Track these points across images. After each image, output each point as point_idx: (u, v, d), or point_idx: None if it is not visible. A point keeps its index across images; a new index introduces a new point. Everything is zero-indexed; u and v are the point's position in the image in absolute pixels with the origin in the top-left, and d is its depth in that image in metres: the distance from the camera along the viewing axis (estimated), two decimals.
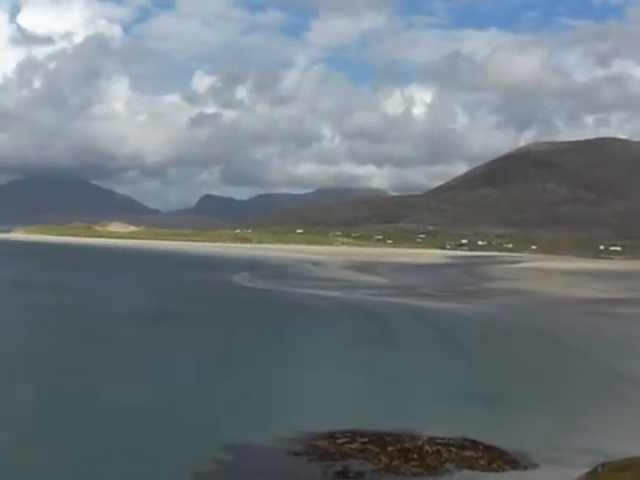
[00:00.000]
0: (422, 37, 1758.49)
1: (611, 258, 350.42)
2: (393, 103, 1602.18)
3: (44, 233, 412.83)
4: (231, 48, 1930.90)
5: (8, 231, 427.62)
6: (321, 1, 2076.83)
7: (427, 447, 38.14)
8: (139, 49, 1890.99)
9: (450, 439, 39.55)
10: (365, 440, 39.25)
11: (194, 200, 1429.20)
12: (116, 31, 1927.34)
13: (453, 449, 38.15)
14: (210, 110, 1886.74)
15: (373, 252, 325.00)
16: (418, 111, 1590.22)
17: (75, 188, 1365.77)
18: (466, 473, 35.62)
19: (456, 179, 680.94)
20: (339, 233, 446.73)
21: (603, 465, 33.93)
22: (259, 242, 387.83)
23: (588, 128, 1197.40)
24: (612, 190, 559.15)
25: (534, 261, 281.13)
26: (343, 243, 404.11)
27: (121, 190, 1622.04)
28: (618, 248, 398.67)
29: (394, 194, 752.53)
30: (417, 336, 79.45)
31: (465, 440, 39.65)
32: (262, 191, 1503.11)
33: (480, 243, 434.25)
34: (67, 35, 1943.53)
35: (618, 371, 62.09)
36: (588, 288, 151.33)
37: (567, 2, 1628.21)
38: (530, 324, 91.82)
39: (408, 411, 46.52)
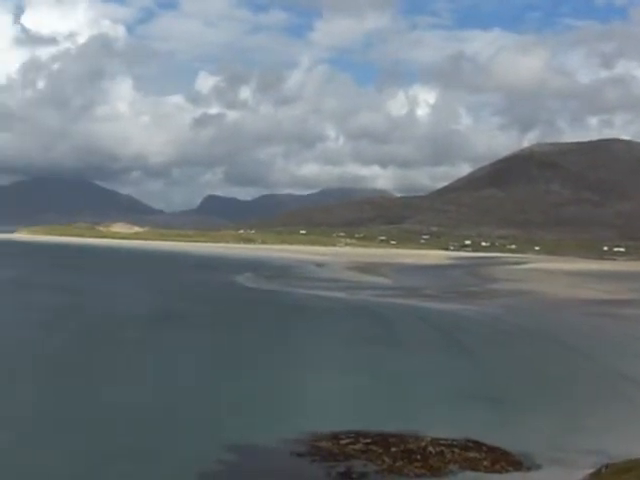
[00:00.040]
0: (426, 38, 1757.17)
1: (615, 259, 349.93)
2: (397, 104, 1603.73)
3: (48, 234, 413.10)
4: (234, 48, 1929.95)
5: (12, 231, 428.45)
6: (325, 1, 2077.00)
7: (430, 448, 38.14)
8: (143, 49, 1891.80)
9: (454, 440, 39.55)
10: (368, 441, 39.27)
11: (198, 201, 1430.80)
12: (120, 31, 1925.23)
13: (457, 450, 38.14)
14: (214, 110, 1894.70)
15: (377, 253, 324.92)
16: (422, 112, 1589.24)
17: (79, 189, 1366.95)
18: (469, 474, 35.62)
19: (460, 180, 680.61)
20: (343, 234, 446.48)
21: (607, 466, 33.91)
22: (263, 243, 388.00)
23: (592, 129, 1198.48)
24: (616, 191, 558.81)
25: (537, 262, 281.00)
26: (347, 244, 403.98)
27: (125, 191, 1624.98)
28: (622, 249, 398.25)
29: (398, 195, 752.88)
30: (421, 337, 79.44)
31: (469, 441, 39.65)
32: (266, 192, 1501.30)
33: (484, 244, 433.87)
34: (71, 36, 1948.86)
35: (622, 372, 62.03)
36: (592, 289, 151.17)
37: (571, 3, 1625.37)
38: (534, 325, 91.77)
39: (412, 412, 46.51)
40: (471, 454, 37.85)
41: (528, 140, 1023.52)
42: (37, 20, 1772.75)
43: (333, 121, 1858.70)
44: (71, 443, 38.39)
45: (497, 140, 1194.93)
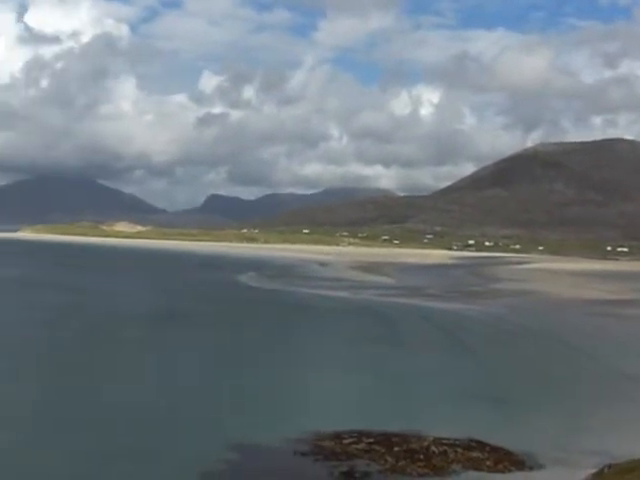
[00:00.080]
0: (430, 37, 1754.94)
1: (618, 259, 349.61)
2: (400, 103, 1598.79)
3: (51, 233, 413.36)
4: (238, 48, 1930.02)
5: (15, 230, 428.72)
6: (328, 1, 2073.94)
7: (433, 448, 38.13)
8: (146, 49, 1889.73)
9: (457, 440, 39.55)
10: (371, 440, 39.27)
11: (201, 200, 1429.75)
12: (123, 30, 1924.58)
13: (459, 450, 38.13)
14: (217, 110, 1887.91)
15: (380, 252, 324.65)
16: (425, 111, 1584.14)
17: (82, 188, 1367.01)
18: (472, 474, 35.61)
19: (463, 180, 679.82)
20: (346, 233, 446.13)
21: (609, 466, 33.90)
22: (266, 242, 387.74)
23: (595, 129, 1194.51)
24: (619, 191, 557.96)
25: (541, 262, 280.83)
26: (350, 243, 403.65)
27: (128, 190, 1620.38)
28: (625, 249, 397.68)
29: (401, 194, 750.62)
30: (424, 336, 79.44)
31: (472, 441, 39.65)
32: (269, 191, 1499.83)
33: (487, 244, 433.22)
34: (74, 34, 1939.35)
35: (625, 372, 62.01)
36: (595, 289, 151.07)
37: (574, 2, 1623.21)
38: (537, 325, 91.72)
39: (414, 411, 46.53)
40: (474, 454, 37.84)
41: (532, 140, 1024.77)
42: (40, 19, 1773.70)
43: (336, 121, 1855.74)
44: (75, 442, 38.42)
45: (501, 140, 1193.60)
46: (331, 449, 38.16)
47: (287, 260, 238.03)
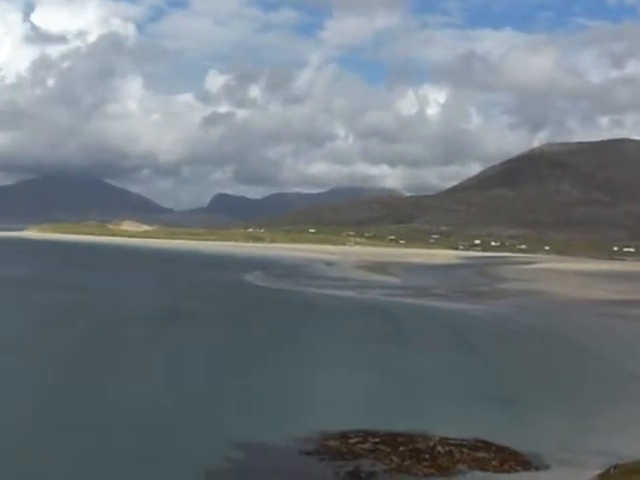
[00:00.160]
0: (436, 36, 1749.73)
1: (625, 259, 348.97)
2: (407, 103, 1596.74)
3: (57, 232, 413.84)
4: (244, 47, 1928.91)
5: (21, 230, 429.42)
6: (335, 0, 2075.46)
7: (439, 448, 38.09)
8: (153, 48, 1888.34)
9: (463, 440, 39.50)
10: (377, 440, 39.25)
11: (207, 199, 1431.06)
12: (130, 30, 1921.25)
13: (465, 450, 38.09)
14: (223, 109, 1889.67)
15: (386, 252, 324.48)
16: (432, 111, 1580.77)
17: (88, 187, 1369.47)
18: (478, 474, 35.56)
19: (469, 179, 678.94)
20: (352, 233, 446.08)
21: (615, 467, 33.81)
22: (272, 241, 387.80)
23: (602, 129, 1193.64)
24: (626, 191, 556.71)
25: (547, 262, 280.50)
26: (356, 243, 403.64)
27: (134, 189, 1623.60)
28: (632, 249, 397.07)
29: (407, 194, 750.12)
30: (430, 336, 79.37)
31: (478, 441, 39.60)
32: (275, 190, 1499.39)
33: (493, 244, 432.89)
34: (81, 34, 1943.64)
35: (632, 372, 61.90)
36: (602, 289, 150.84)
37: (582, 2, 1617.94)
38: (543, 325, 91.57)
39: (420, 411, 46.50)
40: (480, 454, 37.79)
41: (538, 140, 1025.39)
42: (47, 18, 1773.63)
43: (342, 120, 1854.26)
44: (80, 442, 38.45)
45: (507, 140, 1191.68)
46: (337, 448, 38.14)
47: (293, 259, 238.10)
